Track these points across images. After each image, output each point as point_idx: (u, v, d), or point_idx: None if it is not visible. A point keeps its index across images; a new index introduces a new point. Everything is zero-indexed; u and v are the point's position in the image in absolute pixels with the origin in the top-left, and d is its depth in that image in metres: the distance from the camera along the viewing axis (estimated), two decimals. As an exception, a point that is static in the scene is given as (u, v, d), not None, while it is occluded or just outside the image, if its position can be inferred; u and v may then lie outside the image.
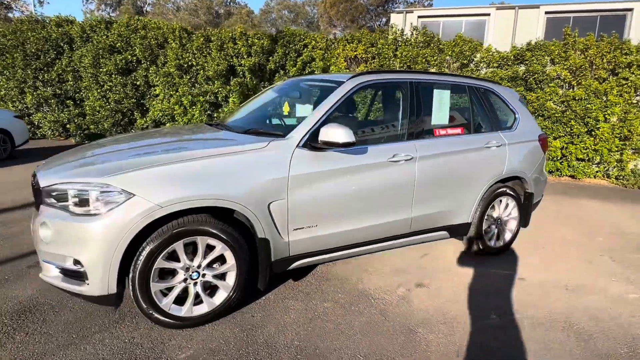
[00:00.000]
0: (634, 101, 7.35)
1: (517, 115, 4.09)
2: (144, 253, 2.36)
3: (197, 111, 9.25)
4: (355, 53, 8.80)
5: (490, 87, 4.00)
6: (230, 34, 9.39)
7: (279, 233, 2.76)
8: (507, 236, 4.06)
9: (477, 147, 3.64)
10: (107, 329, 2.56)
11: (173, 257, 2.49)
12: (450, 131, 3.58)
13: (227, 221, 2.61)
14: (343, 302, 3.02)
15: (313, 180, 2.82)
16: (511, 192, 3.93)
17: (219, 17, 36.77)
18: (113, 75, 9.70)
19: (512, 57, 8.02)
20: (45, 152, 8.71)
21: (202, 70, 9.37)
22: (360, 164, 3.00)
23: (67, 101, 10.27)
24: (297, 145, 2.80)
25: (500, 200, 3.91)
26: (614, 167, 7.60)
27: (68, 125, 10.37)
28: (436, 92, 3.58)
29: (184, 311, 2.56)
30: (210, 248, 2.59)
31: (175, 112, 9.42)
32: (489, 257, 3.95)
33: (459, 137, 3.60)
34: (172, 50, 9.40)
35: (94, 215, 2.30)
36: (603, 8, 18.14)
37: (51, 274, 2.48)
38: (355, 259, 3.74)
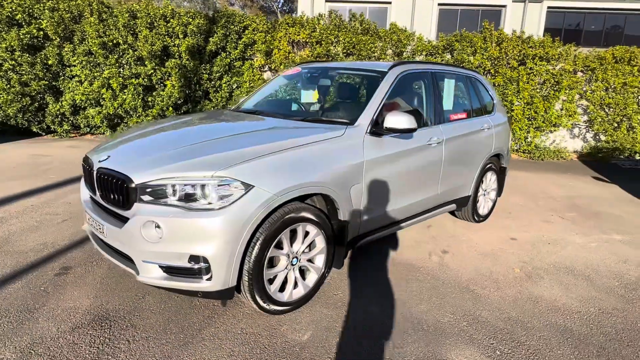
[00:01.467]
0: (537, 87, 8.83)
1: (494, 101, 4.78)
2: (258, 243, 2.38)
3: (130, 95, 8.48)
4: (299, 37, 8.90)
5: (477, 77, 4.60)
6: (161, 12, 8.72)
7: (354, 214, 2.96)
8: (489, 205, 4.78)
9: (478, 130, 4.21)
10: (209, 324, 2.53)
11: (277, 245, 2.54)
12: (459, 116, 4.08)
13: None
14: (399, 273, 3.36)
15: (379, 164, 3.06)
16: (494, 167, 4.63)
17: (97, -13, 32.74)
18: (16, 53, 8.32)
19: (441, 47, 8.94)
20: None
21: (131, 50, 8.57)
22: (410, 147, 3.32)
23: (-49, 83, 8.52)
24: (366, 132, 3.01)
25: (487, 175, 4.58)
26: (522, 142, 9.08)
27: (-48, 112, 8.64)
28: (446, 82, 4.04)
29: (286, 296, 2.64)
30: (305, 234, 2.69)
31: (103, 96, 8.51)
32: (479, 224, 4.61)
33: (466, 121, 4.13)
34: (92, 26, 8.40)
35: (210, 210, 2.25)
36: (484, 3, 20.63)
37: (153, 274, 2.36)
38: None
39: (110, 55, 8.61)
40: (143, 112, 8.69)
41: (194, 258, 2.28)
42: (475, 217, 4.53)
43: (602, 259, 3.85)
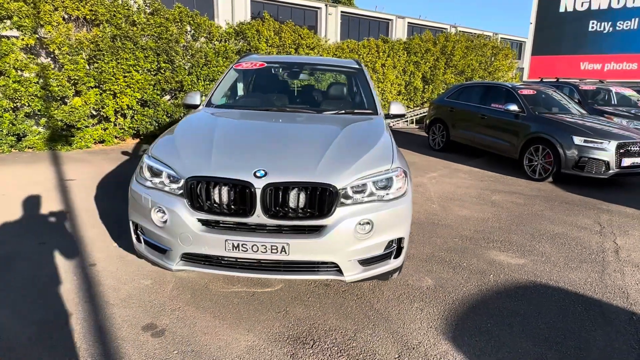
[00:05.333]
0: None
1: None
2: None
3: None
4: (78, 12, 7.35)
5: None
6: None
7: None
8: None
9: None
10: (372, 303, 2.82)
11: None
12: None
13: None
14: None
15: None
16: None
17: None
18: None
19: (233, 33, 9.42)
20: None
21: None
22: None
23: None
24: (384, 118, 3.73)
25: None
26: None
27: None
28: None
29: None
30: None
31: None
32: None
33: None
34: None
35: (399, 197, 2.60)
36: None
37: (356, 271, 2.49)
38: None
39: None
40: None
41: (389, 243, 2.58)
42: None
43: (454, 189, 5.96)
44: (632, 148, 6.19)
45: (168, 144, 2.79)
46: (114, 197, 4.82)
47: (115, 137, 8.15)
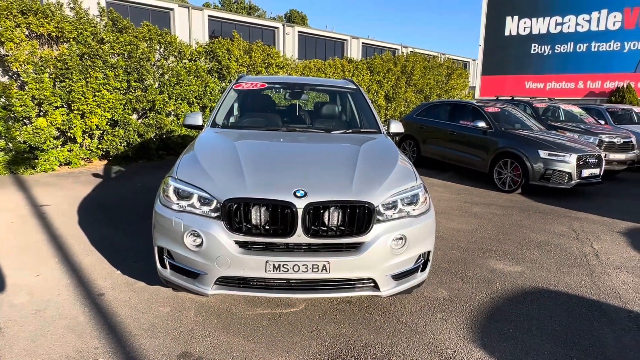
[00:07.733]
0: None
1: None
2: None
3: None
4: (43, 29, 7.01)
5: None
6: None
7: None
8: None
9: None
10: (398, 317, 2.90)
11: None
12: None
13: None
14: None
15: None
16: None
17: None
18: None
19: (204, 52, 9.34)
20: None
21: None
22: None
23: None
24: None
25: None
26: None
27: None
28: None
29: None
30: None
31: None
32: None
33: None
34: None
35: (426, 212, 2.71)
36: (153, 4, 20.91)
37: (390, 285, 2.56)
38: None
39: None
40: None
41: (418, 257, 2.68)
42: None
43: (435, 202, 6.08)
44: (590, 160, 6.78)
45: (193, 165, 2.74)
46: (99, 222, 4.59)
47: (82, 159, 7.74)
